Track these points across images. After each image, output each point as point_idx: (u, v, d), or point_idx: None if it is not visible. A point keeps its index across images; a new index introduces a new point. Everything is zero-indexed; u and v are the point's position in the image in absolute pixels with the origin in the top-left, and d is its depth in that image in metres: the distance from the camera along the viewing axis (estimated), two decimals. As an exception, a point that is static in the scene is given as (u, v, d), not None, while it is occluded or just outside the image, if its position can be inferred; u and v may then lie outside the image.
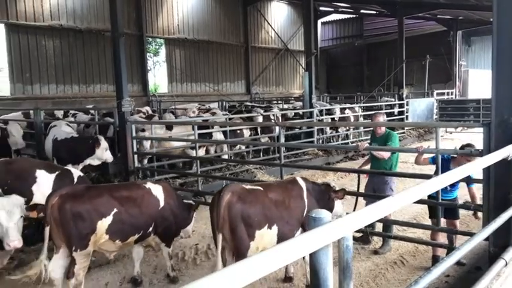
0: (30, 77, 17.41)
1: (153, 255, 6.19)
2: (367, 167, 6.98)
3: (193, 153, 9.37)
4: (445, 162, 5.57)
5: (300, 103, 17.61)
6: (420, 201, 5.39)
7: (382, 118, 7.12)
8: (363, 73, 32.92)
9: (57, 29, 18.04)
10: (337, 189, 5.31)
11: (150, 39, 23.04)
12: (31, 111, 11.57)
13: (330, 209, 5.07)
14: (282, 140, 8.33)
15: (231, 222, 4.39)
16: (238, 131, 11.62)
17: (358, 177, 6.63)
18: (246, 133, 11.95)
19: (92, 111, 13.07)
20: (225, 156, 11.27)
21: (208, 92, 24.03)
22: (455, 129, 17.23)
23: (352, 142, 15.05)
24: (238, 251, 4.47)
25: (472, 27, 26.78)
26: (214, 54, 24.78)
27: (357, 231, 6.36)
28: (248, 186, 4.78)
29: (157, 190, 5.23)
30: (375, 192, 6.59)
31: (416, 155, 5.93)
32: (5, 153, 9.64)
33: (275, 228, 4.63)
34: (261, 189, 4.78)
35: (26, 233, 4.59)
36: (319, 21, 31.73)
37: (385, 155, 6.49)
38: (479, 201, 5.44)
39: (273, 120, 12.92)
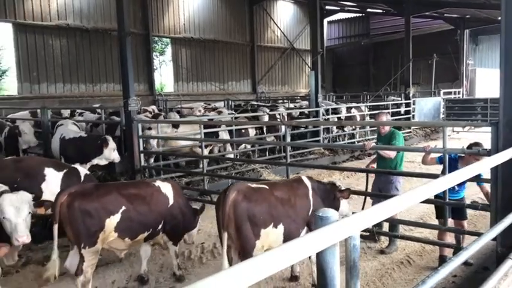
0: (37, 76, 17.52)
1: (160, 254, 6.21)
2: (374, 166, 6.96)
3: (200, 152, 9.39)
4: (453, 161, 5.51)
5: (306, 102, 17.58)
6: (427, 201, 5.36)
7: (385, 117, 7.10)
8: (369, 72, 32.80)
9: (64, 28, 18.14)
10: (342, 188, 5.30)
11: (156, 38, 23.11)
12: (38, 110, 11.64)
13: (336, 208, 5.05)
14: (288, 139, 8.31)
15: (237, 221, 4.39)
16: (244, 130, 11.62)
17: (367, 176, 6.61)
18: (252, 132, 11.95)
19: (99, 110, 13.14)
20: (231, 155, 11.28)
21: (214, 91, 24.06)
22: (462, 128, 17.10)
23: (358, 141, 15.00)
24: (244, 250, 4.47)
25: (480, 26, 26.55)
26: (220, 54, 24.80)
27: (364, 231, 6.34)
28: (254, 185, 4.78)
29: (166, 188, 5.26)
30: (380, 192, 6.57)
31: (423, 154, 5.90)
32: (13, 152, 9.73)
33: (281, 227, 4.63)
34: (267, 187, 4.78)
35: (33, 231, 4.62)
36: (325, 20, 31.67)
37: (392, 154, 6.47)
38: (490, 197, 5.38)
39: (279, 119, 12.90)
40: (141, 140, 9.11)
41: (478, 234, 4.56)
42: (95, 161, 8.36)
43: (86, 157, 8.28)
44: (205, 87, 24.25)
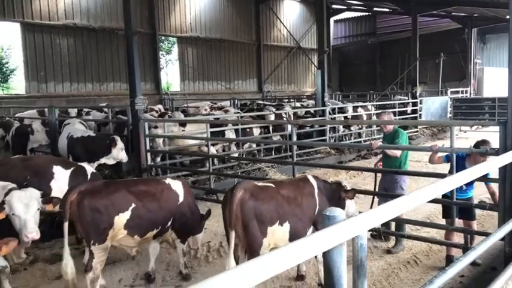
0: (44, 76, 17.64)
1: (166, 252, 6.23)
2: (381, 164, 6.94)
3: (206, 151, 9.41)
4: (461, 160, 5.47)
5: (312, 101, 17.54)
6: (434, 201, 5.34)
7: (386, 117, 7.09)
8: (376, 71, 32.67)
9: (71, 27, 18.24)
10: (348, 188, 5.28)
11: (163, 37, 23.18)
12: (46, 109, 11.71)
13: (341, 208, 5.04)
14: (294, 138, 8.30)
15: (244, 219, 4.39)
16: (248, 130, 11.62)
17: (375, 176, 6.60)
18: (256, 132, 11.93)
19: (105, 110, 13.20)
20: (237, 155, 11.29)
21: (221, 90, 24.09)
22: (470, 128, 17.01)
23: (364, 141, 14.95)
24: (251, 248, 4.48)
25: (488, 25, 26.33)
26: (226, 53, 24.82)
27: (371, 230, 6.33)
28: (260, 184, 4.79)
29: (177, 185, 5.31)
30: (386, 191, 6.55)
31: (430, 154, 5.87)
32: (21, 151, 9.81)
33: (287, 225, 4.63)
34: (273, 186, 4.79)
35: (41, 228, 4.65)
36: (332, 19, 31.58)
37: (397, 152, 6.46)
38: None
39: (285, 119, 12.89)
40: (147, 139, 9.14)
41: (486, 234, 4.53)
42: (103, 160, 8.40)
43: (94, 156, 8.32)
44: (212, 86, 24.28)
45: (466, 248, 5.27)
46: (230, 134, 10.90)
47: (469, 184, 5.47)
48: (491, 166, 3.80)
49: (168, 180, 5.36)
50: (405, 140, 6.67)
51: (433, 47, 25.25)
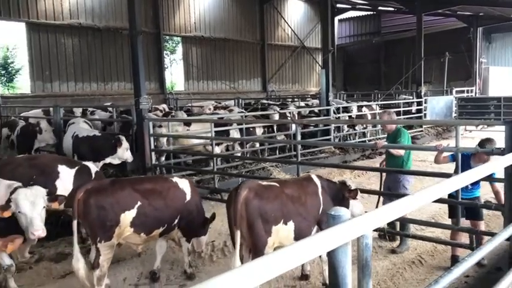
0: (49, 75, 17.70)
1: (170, 251, 6.24)
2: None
3: (210, 150, 9.42)
4: (466, 158, 5.45)
5: (317, 101, 17.52)
6: (439, 200, 5.31)
7: (386, 116, 7.09)
8: (380, 70, 32.56)
9: (76, 27, 18.29)
10: (353, 187, 5.26)
11: (167, 37, 23.17)
12: (51, 109, 11.76)
13: (345, 207, 5.02)
14: (299, 137, 8.30)
15: (249, 219, 4.39)
16: (251, 129, 11.61)
17: (381, 175, 6.59)
18: (259, 131, 11.91)
19: (110, 109, 13.23)
20: (239, 154, 11.28)
21: (225, 90, 24.08)
22: (476, 127, 16.94)
23: (369, 140, 14.92)
24: (255, 248, 4.48)
25: (493, 24, 26.19)
26: (230, 52, 24.81)
27: (377, 231, 6.32)
28: (265, 183, 4.79)
29: (184, 184, 5.35)
30: (390, 190, 6.54)
31: (435, 153, 5.85)
32: (26, 150, 9.85)
33: (291, 224, 4.63)
34: (277, 185, 4.79)
35: (47, 227, 4.67)
36: (336, 19, 31.46)
37: (402, 151, 6.45)
38: (503, 197, 5.32)
39: (289, 118, 12.88)
40: (152, 138, 9.16)
41: (492, 234, 4.51)
42: (108, 160, 8.44)
43: (99, 156, 8.36)
44: (216, 85, 24.29)
45: (471, 248, 5.24)
46: (235, 134, 10.90)
47: (475, 183, 5.44)
48: (497, 166, 3.78)
49: (175, 179, 5.40)
50: (407, 139, 6.67)
51: (438, 46, 25.11)
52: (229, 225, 4.65)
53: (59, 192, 5.81)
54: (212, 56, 23.89)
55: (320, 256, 4.84)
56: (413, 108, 18.33)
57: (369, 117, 15.32)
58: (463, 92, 23.52)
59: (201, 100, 20.70)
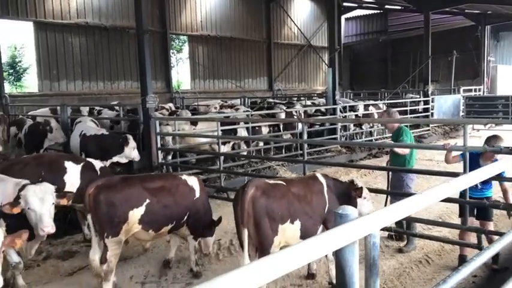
0: (57, 74, 17.81)
1: (177, 250, 6.25)
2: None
3: (217, 149, 9.43)
4: (475, 157, 5.43)
5: (323, 100, 17.47)
6: (447, 200, 5.28)
7: (387, 116, 7.10)
8: (387, 69, 32.42)
9: (83, 26, 18.38)
10: (359, 186, 5.24)
11: (174, 36, 23.23)
12: (58, 107, 11.82)
13: (353, 206, 5.00)
14: (305, 136, 8.28)
15: (256, 217, 4.39)
16: (257, 128, 11.60)
17: (388, 174, 6.57)
18: (265, 130, 11.90)
19: (117, 108, 13.28)
20: (245, 153, 11.28)
21: (231, 89, 24.09)
22: (484, 126, 16.82)
23: (376, 139, 14.86)
24: (262, 246, 4.48)
25: (501, 22, 25.97)
26: (236, 51, 24.81)
27: (386, 230, 6.29)
28: (271, 181, 4.79)
29: (193, 181, 5.43)
30: (395, 189, 6.52)
31: (442, 152, 5.81)
32: (34, 149, 9.90)
33: (297, 222, 4.63)
34: (284, 184, 4.79)
35: (56, 224, 4.71)
36: (343, 17, 31.32)
37: (406, 150, 6.44)
38: (511, 196, 5.28)
39: (295, 117, 12.86)
40: (158, 137, 9.18)
41: (500, 234, 4.47)
42: (115, 159, 8.48)
43: (106, 154, 8.39)
44: (222, 84, 24.31)
45: (479, 248, 5.21)
46: (242, 132, 10.90)
47: (486, 183, 5.40)
48: (506, 165, 3.75)
49: (185, 176, 5.47)
50: (409, 138, 6.66)
51: (446, 44, 24.94)
52: (236, 224, 4.65)
53: (67, 188, 5.90)
54: (218, 55, 23.91)
55: (326, 255, 4.82)
56: (420, 107, 18.23)
57: (376, 116, 15.25)
58: (470, 90, 23.35)
59: (207, 99, 20.74)
